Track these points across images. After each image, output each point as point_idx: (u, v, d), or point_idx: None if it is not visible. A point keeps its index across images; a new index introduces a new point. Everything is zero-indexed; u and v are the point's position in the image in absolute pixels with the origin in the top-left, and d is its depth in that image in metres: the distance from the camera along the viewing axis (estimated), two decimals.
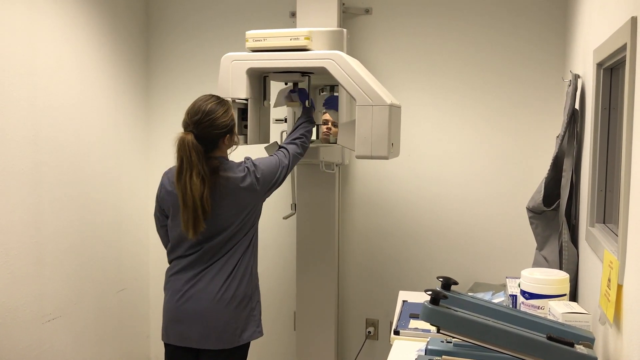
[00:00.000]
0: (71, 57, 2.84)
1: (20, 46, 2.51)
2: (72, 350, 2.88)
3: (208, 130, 2.13)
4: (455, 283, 1.57)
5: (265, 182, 2.26)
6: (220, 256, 2.20)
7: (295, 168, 3.05)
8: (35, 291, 2.62)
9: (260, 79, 2.55)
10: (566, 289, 1.83)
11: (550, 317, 1.67)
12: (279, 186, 2.35)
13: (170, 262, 2.30)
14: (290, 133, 2.51)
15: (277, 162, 2.33)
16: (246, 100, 2.46)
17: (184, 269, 2.23)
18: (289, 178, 3.16)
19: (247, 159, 2.29)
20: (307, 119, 2.55)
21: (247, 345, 2.28)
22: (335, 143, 2.82)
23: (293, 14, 3.13)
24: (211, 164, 2.15)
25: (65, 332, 2.83)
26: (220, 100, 2.21)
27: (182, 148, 2.09)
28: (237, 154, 3.37)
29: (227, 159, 2.25)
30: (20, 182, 2.52)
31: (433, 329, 1.42)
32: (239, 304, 2.21)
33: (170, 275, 2.27)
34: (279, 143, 2.80)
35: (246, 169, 2.22)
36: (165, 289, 2.29)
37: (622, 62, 1.66)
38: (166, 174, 2.30)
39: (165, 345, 2.28)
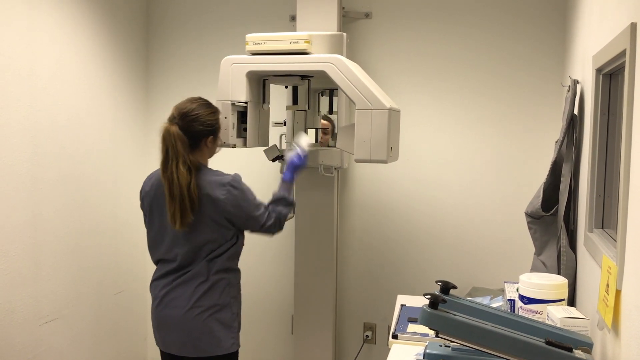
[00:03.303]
0: (71, 58, 2.84)
1: (20, 48, 2.51)
2: (69, 352, 2.87)
3: (193, 124, 2.12)
4: (454, 287, 1.57)
5: (236, 214, 2.16)
6: (195, 264, 2.17)
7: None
8: (33, 293, 2.62)
9: (259, 82, 2.56)
10: (564, 293, 1.83)
11: (549, 322, 1.67)
12: (238, 228, 2.22)
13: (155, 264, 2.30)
14: (277, 198, 2.29)
15: (257, 213, 2.19)
16: (246, 103, 2.46)
17: (162, 275, 2.23)
18: None
19: (235, 181, 2.17)
20: (285, 196, 2.30)
21: (230, 356, 2.24)
22: (334, 147, 2.82)
23: (293, 18, 3.14)
24: (193, 167, 2.11)
25: (62, 334, 2.82)
26: (209, 103, 2.22)
27: (167, 137, 2.08)
28: (237, 154, 3.38)
29: (206, 166, 2.23)
30: (19, 184, 2.52)
31: (431, 333, 1.42)
32: (214, 313, 2.17)
33: (151, 281, 2.28)
34: (278, 146, 2.80)
35: (231, 192, 2.13)
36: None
37: (621, 67, 1.67)
38: (148, 177, 2.30)
39: (160, 350, 2.31)
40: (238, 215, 2.16)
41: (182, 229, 2.12)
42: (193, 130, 2.13)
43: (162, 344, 2.24)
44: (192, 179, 2.08)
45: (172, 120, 2.14)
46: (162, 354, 2.30)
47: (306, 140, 2.41)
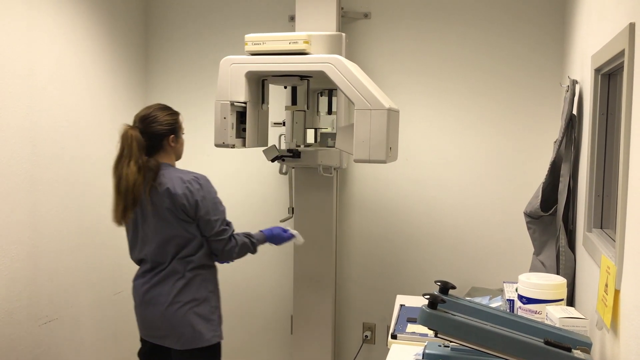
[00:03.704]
0: (70, 59, 2.84)
1: (19, 48, 2.51)
2: (67, 352, 2.87)
3: (151, 125, 2.24)
4: (453, 287, 1.57)
5: (191, 210, 2.22)
6: (168, 263, 2.26)
7: (292, 171, 3.05)
8: (32, 293, 2.61)
9: (259, 82, 2.56)
10: (563, 293, 1.83)
11: (548, 322, 1.67)
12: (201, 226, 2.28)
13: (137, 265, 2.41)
14: (247, 235, 2.41)
15: (214, 218, 2.26)
16: (245, 103, 2.46)
17: (140, 275, 2.34)
18: (286, 181, 3.17)
19: (198, 179, 2.25)
20: (257, 243, 2.44)
21: (212, 348, 2.31)
22: (334, 147, 2.82)
23: (292, 18, 3.14)
24: (151, 166, 2.22)
25: (61, 335, 2.82)
26: (167, 107, 2.34)
27: (124, 138, 2.20)
28: (236, 155, 3.38)
29: (173, 166, 2.31)
30: (18, 184, 2.52)
31: (431, 333, 1.42)
32: (193, 307, 2.25)
33: (133, 280, 2.38)
34: (277, 146, 2.80)
35: (189, 187, 2.21)
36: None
37: (619, 68, 1.67)
38: None
39: (141, 341, 2.42)
40: (193, 211, 2.22)
41: (121, 225, 2.28)
42: (152, 131, 2.24)
43: (145, 335, 2.36)
44: (140, 177, 2.19)
45: (133, 125, 2.26)
46: (143, 343, 2.41)
47: (299, 239, 2.61)
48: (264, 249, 3.39)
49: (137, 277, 2.35)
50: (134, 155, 2.18)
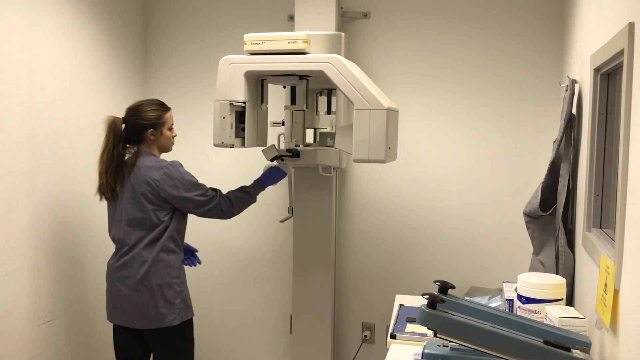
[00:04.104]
0: (69, 59, 2.84)
1: (18, 48, 2.50)
2: (66, 352, 2.87)
3: (133, 118, 2.48)
4: (452, 287, 1.57)
5: (172, 194, 2.44)
6: (133, 246, 2.45)
7: (292, 171, 3.05)
8: (31, 293, 2.61)
9: (258, 82, 2.55)
10: (563, 293, 1.83)
11: (547, 322, 1.67)
12: (186, 210, 2.52)
13: None
14: (240, 189, 2.63)
15: (196, 190, 2.47)
16: (244, 103, 2.46)
17: (112, 257, 2.55)
18: (285, 181, 3.16)
19: (172, 164, 2.46)
20: (253, 192, 2.65)
21: (172, 329, 2.48)
22: (333, 146, 2.82)
23: (291, 18, 3.14)
24: (131, 156, 2.49)
25: (60, 335, 2.82)
26: (155, 102, 2.55)
27: (107, 127, 2.47)
28: (235, 155, 3.37)
29: (155, 156, 2.52)
30: (17, 183, 2.51)
31: (430, 333, 1.42)
32: (157, 291, 2.44)
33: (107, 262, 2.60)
34: (276, 146, 2.80)
35: (165, 172, 2.43)
36: None
37: (619, 67, 1.67)
38: None
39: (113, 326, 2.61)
40: (174, 194, 2.43)
41: (109, 199, 2.51)
42: (132, 123, 2.48)
43: (112, 317, 2.55)
44: (113, 164, 2.44)
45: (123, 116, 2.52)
46: (114, 328, 2.60)
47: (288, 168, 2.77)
48: (263, 249, 3.41)
49: (110, 259, 2.56)
50: (109, 144, 2.45)
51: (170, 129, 2.56)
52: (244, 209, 2.61)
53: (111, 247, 3.25)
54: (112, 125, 2.46)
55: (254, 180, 2.68)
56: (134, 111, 2.50)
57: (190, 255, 2.82)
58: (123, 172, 2.47)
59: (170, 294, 2.46)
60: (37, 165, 2.63)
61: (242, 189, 2.63)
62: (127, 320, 2.49)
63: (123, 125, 2.48)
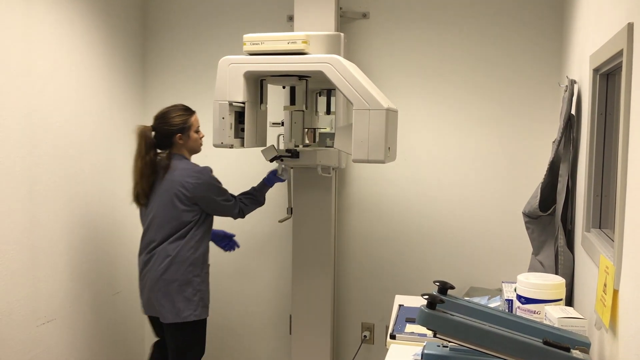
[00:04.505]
0: (68, 58, 2.83)
1: (16, 48, 2.50)
2: (66, 353, 2.87)
3: (161, 125, 2.63)
4: (452, 287, 1.57)
5: (204, 198, 2.63)
6: (159, 242, 2.61)
7: (291, 171, 3.05)
8: (30, 294, 2.61)
9: (257, 82, 2.55)
10: (562, 293, 1.83)
11: (547, 322, 1.67)
12: (211, 211, 2.71)
13: None
14: (248, 193, 2.85)
15: (223, 195, 2.70)
16: (243, 103, 2.46)
17: (141, 250, 2.71)
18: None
19: (205, 170, 2.65)
20: (261, 196, 2.87)
21: (192, 325, 2.64)
22: (332, 147, 2.82)
23: (291, 18, 3.14)
24: (163, 159, 2.64)
25: (59, 335, 2.81)
26: (180, 107, 2.69)
27: (137, 136, 2.63)
28: (235, 155, 3.37)
29: (187, 158, 2.69)
30: (16, 184, 2.51)
31: (429, 333, 1.42)
32: (177, 286, 2.59)
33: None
34: (276, 147, 2.80)
35: (195, 176, 2.60)
36: None
37: (618, 67, 1.67)
38: None
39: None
40: (205, 198, 2.62)
41: (141, 206, 2.68)
42: (161, 130, 2.63)
43: (143, 308, 2.74)
44: (147, 170, 2.60)
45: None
46: (148, 318, 2.81)
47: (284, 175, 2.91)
48: (262, 250, 3.41)
49: (139, 253, 2.73)
50: (142, 152, 2.60)
51: (197, 131, 2.71)
52: (253, 210, 2.86)
53: (110, 247, 3.26)
54: (142, 134, 2.61)
55: (260, 182, 2.88)
56: (161, 118, 2.65)
57: (228, 241, 3.02)
58: (156, 176, 2.63)
59: (189, 290, 2.61)
60: (36, 165, 2.63)
61: (249, 195, 2.83)
62: (151, 311, 2.69)
63: (152, 133, 2.62)
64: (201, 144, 2.74)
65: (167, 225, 2.61)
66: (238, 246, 3.05)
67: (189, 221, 2.61)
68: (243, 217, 2.80)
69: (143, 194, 2.63)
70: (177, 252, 2.60)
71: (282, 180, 2.90)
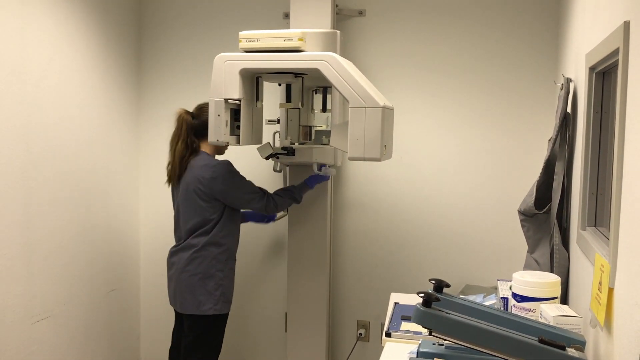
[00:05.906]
0: (63, 57, 2.82)
1: (11, 46, 2.49)
2: (61, 351, 2.86)
3: (201, 113, 2.65)
4: (448, 285, 1.57)
5: (222, 192, 2.63)
6: (186, 237, 2.66)
7: (287, 169, 3.05)
8: (25, 291, 2.60)
9: (253, 79, 2.55)
10: (557, 291, 1.84)
11: (542, 320, 1.67)
12: (236, 205, 2.71)
13: None
14: (287, 189, 2.82)
15: (244, 188, 2.68)
16: (239, 100, 2.45)
17: (173, 246, 2.76)
18: (280, 179, 3.16)
19: (222, 163, 2.64)
20: (298, 194, 2.82)
21: (212, 319, 2.65)
22: (328, 144, 2.81)
23: (287, 15, 3.13)
24: (195, 146, 2.66)
25: (54, 333, 2.81)
26: None
27: (178, 120, 2.67)
28: (230, 153, 3.37)
29: (210, 155, 2.69)
30: (11, 183, 2.50)
31: (425, 331, 1.42)
32: (199, 280, 2.63)
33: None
34: (271, 144, 2.80)
35: (215, 170, 2.61)
36: None
37: (614, 66, 1.67)
38: None
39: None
40: (223, 192, 2.61)
41: (175, 186, 2.72)
42: (204, 118, 2.56)
43: (169, 299, 2.76)
44: (187, 155, 2.64)
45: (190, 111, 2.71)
46: (175, 313, 2.83)
47: (331, 172, 2.90)
48: (258, 248, 3.40)
49: (171, 248, 2.77)
50: (182, 135, 2.64)
51: None
52: (287, 207, 2.90)
53: (105, 244, 3.26)
54: (182, 117, 2.66)
55: (302, 182, 2.86)
56: (202, 108, 2.67)
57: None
58: (187, 164, 2.65)
59: (211, 284, 2.64)
60: (31, 162, 2.62)
61: (288, 191, 2.79)
62: (174, 303, 2.73)
63: (192, 119, 2.67)
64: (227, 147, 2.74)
65: (190, 220, 2.65)
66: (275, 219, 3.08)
67: (211, 218, 2.63)
68: (277, 210, 2.76)
69: (174, 175, 2.67)
70: (201, 247, 2.63)
71: (326, 179, 2.90)
